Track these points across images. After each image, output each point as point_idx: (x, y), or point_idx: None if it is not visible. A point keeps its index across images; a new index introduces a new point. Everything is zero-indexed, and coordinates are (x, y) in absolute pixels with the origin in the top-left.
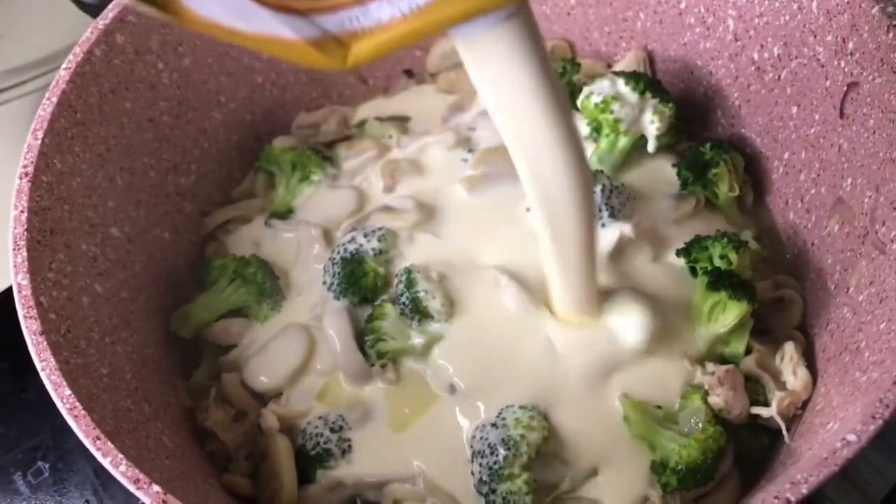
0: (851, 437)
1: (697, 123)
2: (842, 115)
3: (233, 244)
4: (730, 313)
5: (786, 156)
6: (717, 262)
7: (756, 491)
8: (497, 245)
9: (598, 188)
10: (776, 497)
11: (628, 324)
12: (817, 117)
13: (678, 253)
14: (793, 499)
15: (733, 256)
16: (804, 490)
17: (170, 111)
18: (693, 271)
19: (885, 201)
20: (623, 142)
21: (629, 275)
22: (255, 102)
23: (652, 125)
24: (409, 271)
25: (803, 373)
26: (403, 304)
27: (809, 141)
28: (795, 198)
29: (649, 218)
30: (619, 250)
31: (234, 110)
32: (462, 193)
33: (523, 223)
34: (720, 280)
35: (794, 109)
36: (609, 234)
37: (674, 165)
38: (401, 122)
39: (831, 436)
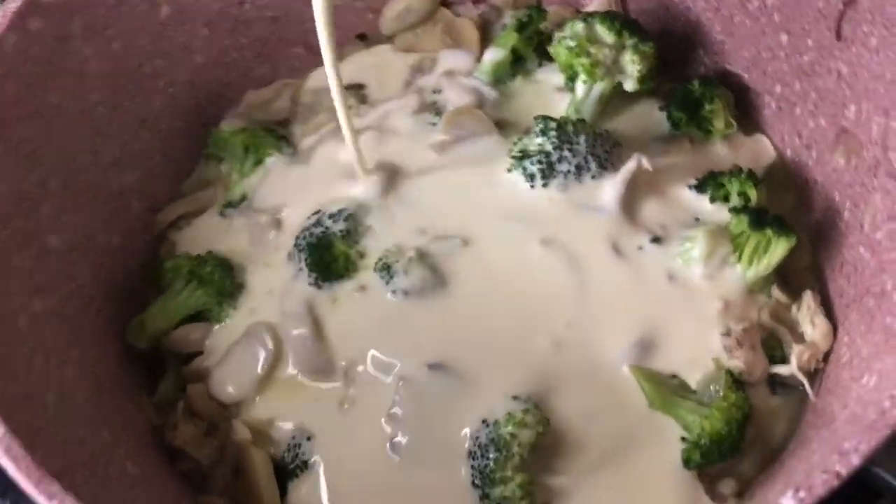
0: None
1: (677, 64)
2: (839, 37)
3: (187, 241)
4: (777, 251)
5: (777, 89)
6: (735, 200)
7: (792, 460)
8: (474, 211)
9: (580, 138)
10: (825, 471)
11: None
12: (810, 43)
13: (691, 188)
14: (844, 472)
15: (752, 193)
16: (855, 461)
17: (103, 102)
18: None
19: None
20: (601, 87)
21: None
22: (197, 85)
23: (633, 66)
24: (385, 259)
25: (822, 322)
26: (392, 292)
27: (803, 70)
28: (792, 134)
29: None
30: (632, 191)
31: (176, 95)
32: (432, 159)
33: (502, 185)
34: (762, 218)
35: (784, 37)
36: (610, 182)
37: (661, 108)
38: (358, 89)
39: (870, 392)
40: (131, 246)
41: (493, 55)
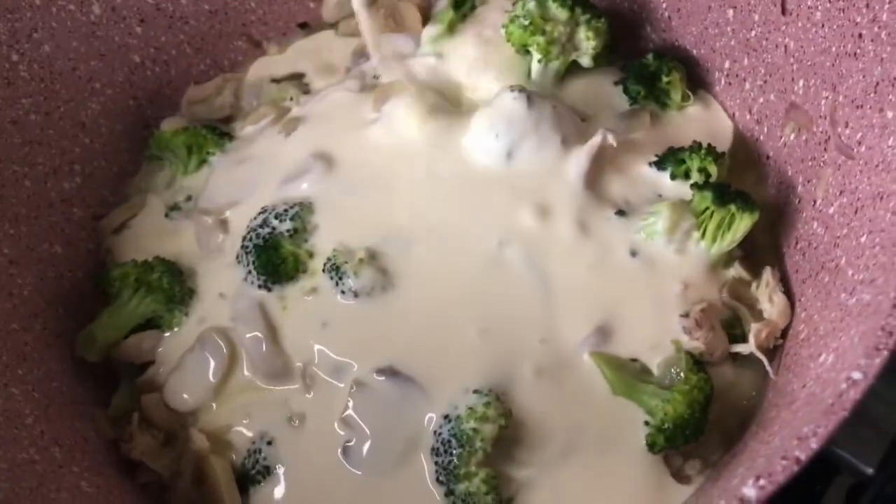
0: (856, 375)
1: (625, 42)
2: (784, 11)
3: (131, 246)
4: (740, 226)
5: (726, 65)
6: (695, 176)
7: (755, 443)
8: (427, 194)
9: (546, 110)
10: (784, 458)
11: None
12: (757, 18)
13: (651, 165)
14: (803, 457)
15: (713, 168)
16: (814, 445)
17: (36, 108)
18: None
19: (845, 100)
20: (556, 65)
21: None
22: (136, 84)
23: (587, 43)
24: (333, 260)
25: (780, 299)
26: (343, 293)
27: (751, 45)
28: (743, 109)
29: None
30: (596, 166)
31: (114, 96)
32: (376, 140)
33: (460, 162)
34: (726, 193)
35: (731, 13)
36: (577, 156)
37: (616, 83)
38: (299, 79)
39: (827, 371)
40: (75, 255)
41: (431, 31)
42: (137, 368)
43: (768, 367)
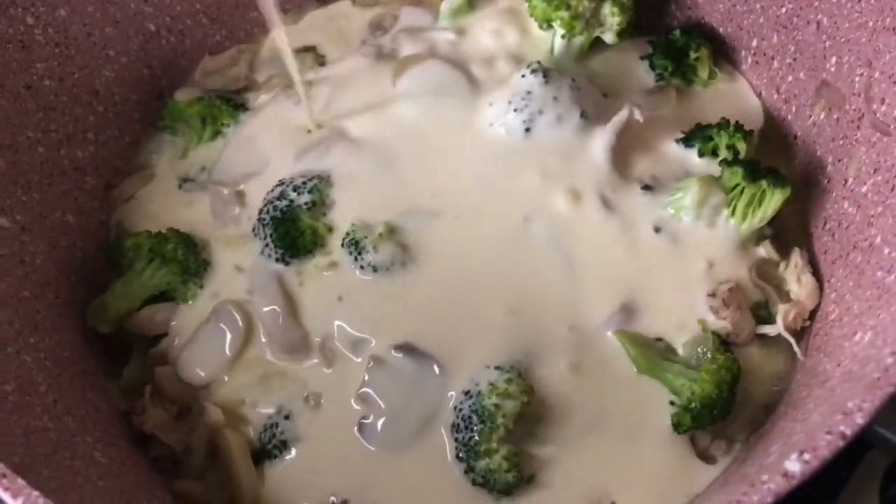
0: None
1: (649, 19)
2: None
3: (143, 217)
4: (771, 202)
5: (754, 43)
6: (724, 153)
7: (786, 422)
8: (447, 168)
9: (565, 86)
10: (828, 432)
11: None
12: None
13: (679, 142)
14: (848, 432)
15: (741, 145)
16: (860, 420)
17: (50, 73)
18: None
19: (881, 76)
20: (580, 41)
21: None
22: (150, 54)
23: (612, 18)
24: (353, 235)
25: (809, 280)
26: (361, 268)
27: (781, 22)
28: (770, 88)
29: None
30: (623, 145)
31: (128, 65)
32: (395, 116)
33: (479, 137)
34: (756, 169)
35: None
36: (602, 131)
37: (642, 58)
38: (315, 52)
39: (866, 349)
40: (87, 224)
41: (450, 4)
42: (150, 340)
43: (796, 348)
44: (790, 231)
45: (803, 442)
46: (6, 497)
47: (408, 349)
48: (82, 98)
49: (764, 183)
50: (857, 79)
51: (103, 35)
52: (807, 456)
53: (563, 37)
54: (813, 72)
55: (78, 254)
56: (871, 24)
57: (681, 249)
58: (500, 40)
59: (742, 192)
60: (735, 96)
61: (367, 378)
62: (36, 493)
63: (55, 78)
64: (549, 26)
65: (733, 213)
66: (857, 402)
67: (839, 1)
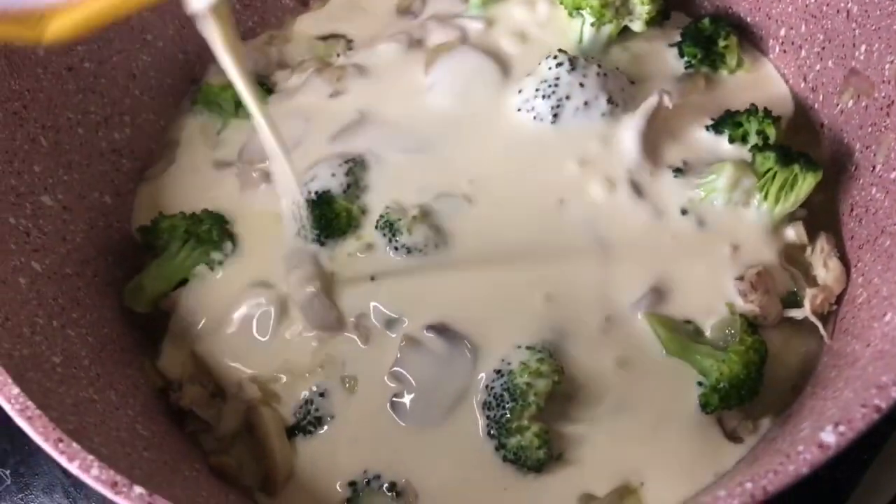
0: None
1: (678, 7)
2: None
3: (177, 196)
4: (804, 186)
5: (782, 32)
6: (753, 139)
7: (816, 401)
8: (478, 155)
9: (590, 73)
10: (864, 405)
11: None
12: None
13: (709, 129)
14: (884, 405)
15: (771, 131)
16: (895, 394)
17: (90, 56)
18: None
19: None
20: (607, 30)
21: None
22: (185, 39)
23: (641, 7)
24: (387, 217)
25: (835, 264)
26: (395, 249)
27: (810, 11)
28: (797, 77)
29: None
30: (653, 131)
31: (164, 49)
32: (429, 103)
33: (509, 124)
34: (788, 154)
35: None
36: (632, 117)
37: (671, 45)
38: (344, 39)
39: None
40: (124, 206)
41: None
42: (185, 320)
43: (823, 332)
44: (818, 216)
45: (838, 415)
46: (62, 460)
47: (440, 329)
48: (120, 81)
49: (796, 167)
50: (887, 66)
51: (141, 19)
52: (842, 428)
53: (591, 25)
54: (842, 60)
55: (115, 234)
56: None
57: (710, 233)
58: (530, 30)
59: (774, 176)
60: (763, 83)
61: (399, 356)
62: (91, 457)
63: (95, 60)
64: (579, 14)
65: (766, 197)
66: (893, 376)
67: None
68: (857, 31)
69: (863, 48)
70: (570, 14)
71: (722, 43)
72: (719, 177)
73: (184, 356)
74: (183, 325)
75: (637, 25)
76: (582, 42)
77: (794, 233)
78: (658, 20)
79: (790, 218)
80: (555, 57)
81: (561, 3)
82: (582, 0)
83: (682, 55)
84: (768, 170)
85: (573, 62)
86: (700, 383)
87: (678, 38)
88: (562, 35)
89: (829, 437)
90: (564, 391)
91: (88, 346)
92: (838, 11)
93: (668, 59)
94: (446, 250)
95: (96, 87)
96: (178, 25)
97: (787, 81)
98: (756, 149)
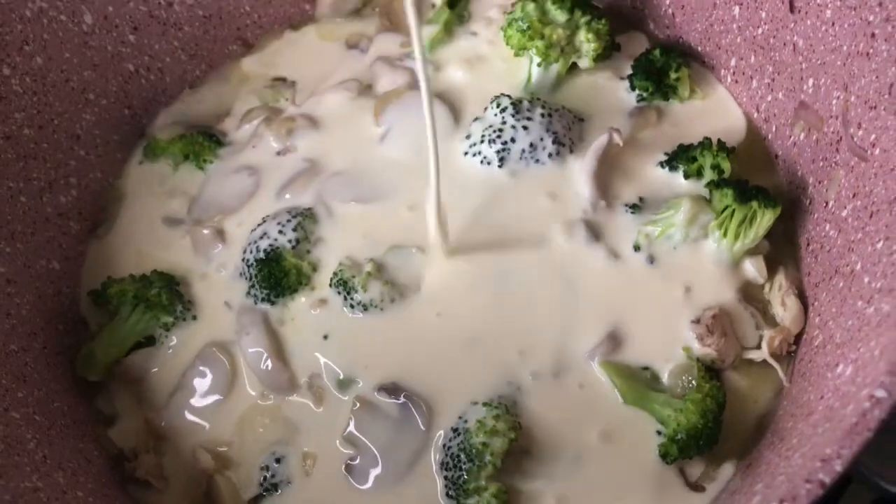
0: (880, 393)
1: (627, 39)
2: (792, 9)
3: (127, 255)
4: (763, 222)
5: (733, 62)
6: (709, 174)
7: (772, 455)
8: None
9: (535, 114)
10: (808, 481)
11: None
12: (764, 15)
13: (663, 165)
14: (827, 480)
15: (726, 164)
16: (838, 468)
17: (30, 122)
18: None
19: (857, 100)
20: (555, 68)
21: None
22: (130, 93)
23: (587, 45)
24: (340, 275)
25: (793, 303)
26: (351, 307)
27: (758, 43)
28: (750, 107)
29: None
30: (606, 169)
31: (108, 106)
32: (378, 152)
33: (459, 172)
34: (746, 190)
35: (737, 10)
36: (578, 159)
37: (622, 78)
38: (285, 81)
39: (846, 384)
40: (73, 269)
41: (427, 32)
42: (139, 385)
43: (782, 375)
44: (780, 246)
45: (785, 489)
46: None
47: (392, 389)
48: (63, 144)
49: (755, 203)
50: (833, 101)
51: (82, 79)
52: None
53: (538, 65)
54: (791, 92)
55: (65, 301)
56: (844, 48)
57: (666, 273)
58: (480, 73)
59: (732, 213)
60: (717, 111)
61: (352, 420)
62: None
63: (34, 126)
64: (526, 54)
65: (725, 233)
66: (836, 448)
67: (813, 23)
68: (803, 65)
69: (810, 82)
70: (517, 54)
71: (673, 75)
72: (676, 212)
73: (138, 424)
74: (136, 391)
75: (585, 62)
76: (530, 82)
77: (753, 268)
78: (607, 54)
79: (752, 252)
80: (498, 101)
81: (507, 44)
82: (527, 42)
83: (633, 88)
84: (726, 207)
85: (517, 105)
86: (659, 432)
87: (629, 71)
88: (511, 76)
89: None
90: (522, 446)
91: (35, 425)
92: (785, 44)
93: (619, 92)
94: (402, 305)
95: (38, 153)
96: (121, 81)
97: (741, 108)
98: (713, 185)
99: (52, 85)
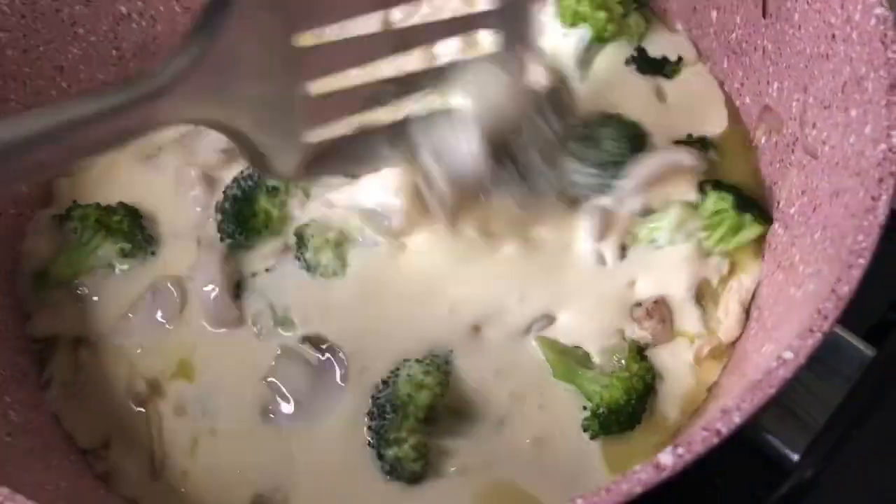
0: (788, 355)
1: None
2: (764, 14)
3: (94, 187)
4: (748, 234)
5: (707, 67)
6: None
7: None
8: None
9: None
10: (705, 429)
11: None
12: (739, 20)
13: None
14: (724, 430)
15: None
16: (737, 419)
17: (14, 44)
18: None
19: (814, 101)
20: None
21: None
22: (120, 35)
23: (636, 28)
24: (302, 231)
25: (735, 311)
26: (297, 259)
27: (731, 48)
28: None
29: None
30: None
31: (96, 44)
32: None
33: None
34: (746, 201)
35: (714, 14)
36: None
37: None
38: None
39: (766, 358)
40: (42, 195)
41: None
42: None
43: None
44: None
45: (685, 435)
46: None
47: (316, 341)
48: (46, 72)
49: (749, 216)
50: (794, 104)
51: (73, 12)
52: (680, 450)
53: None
54: (757, 97)
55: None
56: (808, 50)
57: (627, 266)
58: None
59: (724, 217)
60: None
61: (273, 364)
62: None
63: (18, 48)
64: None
65: (708, 236)
66: (737, 401)
67: (782, 28)
68: (770, 69)
69: (775, 85)
70: (572, 24)
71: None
72: (665, 217)
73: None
74: (80, 313)
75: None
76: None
77: (714, 268)
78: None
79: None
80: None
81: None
82: (592, 12)
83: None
84: (720, 210)
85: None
86: (585, 407)
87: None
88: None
89: (667, 458)
90: (453, 407)
91: None
92: (756, 48)
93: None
94: (340, 281)
95: (19, 76)
96: (112, 22)
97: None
98: (713, 185)
99: (42, 12)
